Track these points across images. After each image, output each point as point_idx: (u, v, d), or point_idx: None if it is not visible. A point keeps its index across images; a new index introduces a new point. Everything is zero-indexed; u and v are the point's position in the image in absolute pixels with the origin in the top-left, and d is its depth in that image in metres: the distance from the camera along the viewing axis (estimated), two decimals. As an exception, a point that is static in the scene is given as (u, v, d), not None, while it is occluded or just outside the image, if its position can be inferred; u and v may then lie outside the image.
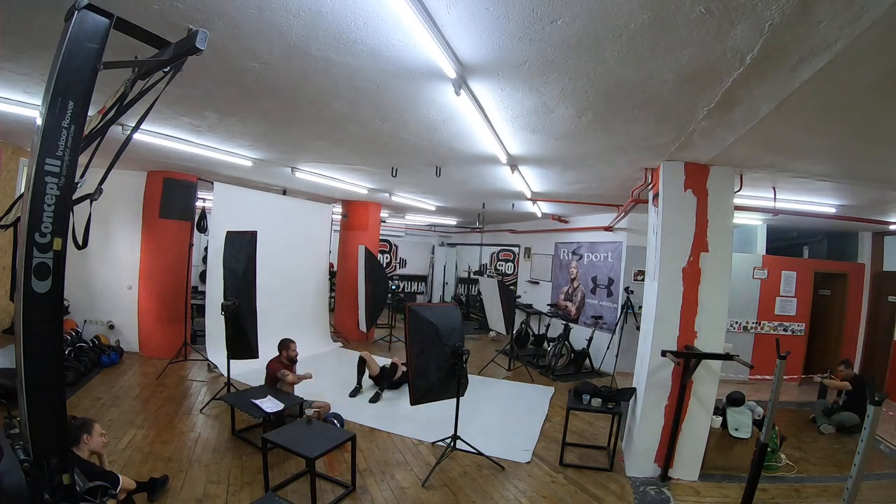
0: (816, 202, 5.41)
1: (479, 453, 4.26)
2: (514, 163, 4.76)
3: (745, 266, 7.65)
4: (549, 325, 9.71)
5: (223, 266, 5.29)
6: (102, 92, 1.77)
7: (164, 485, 3.44)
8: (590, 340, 8.06)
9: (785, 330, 7.74)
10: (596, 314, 8.52)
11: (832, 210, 5.60)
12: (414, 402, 4.13)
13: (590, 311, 8.82)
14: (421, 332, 4.10)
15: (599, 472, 4.20)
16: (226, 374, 5.20)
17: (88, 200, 1.88)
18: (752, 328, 7.72)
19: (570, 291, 9.54)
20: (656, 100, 2.78)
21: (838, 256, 8.25)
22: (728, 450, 4.30)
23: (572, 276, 9.47)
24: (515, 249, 12.26)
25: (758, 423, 4.37)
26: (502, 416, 5.59)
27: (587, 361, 7.96)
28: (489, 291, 8.46)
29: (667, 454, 4.06)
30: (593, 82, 2.62)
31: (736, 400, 4.45)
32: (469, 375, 4.51)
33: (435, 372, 4.10)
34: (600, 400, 4.46)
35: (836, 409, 5.69)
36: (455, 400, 4.24)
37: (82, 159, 1.68)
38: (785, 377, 3.38)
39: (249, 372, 5.87)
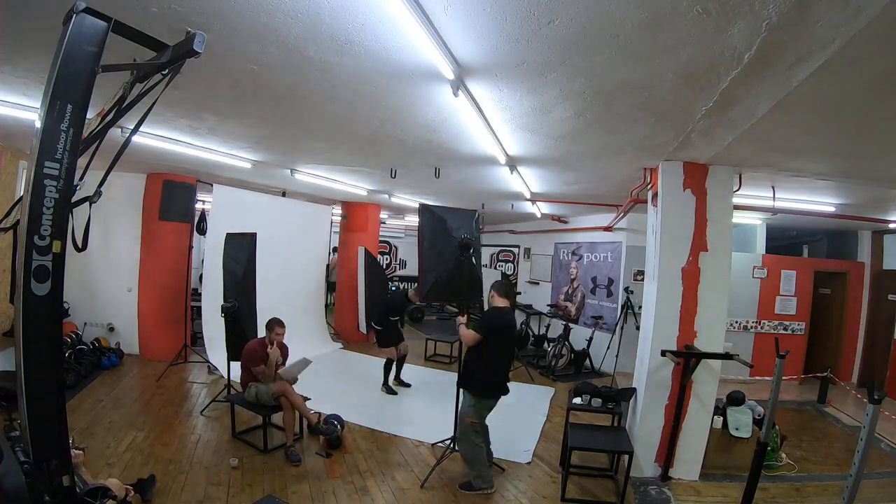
0: (816, 201, 5.42)
1: (480, 454, 4.26)
2: (512, 163, 4.76)
3: (745, 265, 7.65)
4: (548, 325, 9.70)
5: (223, 268, 5.29)
6: (101, 95, 1.77)
7: (153, 484, 3.42)
8: (590, 341, 8.07)
9: (785, 329, 7.74)
10: (596, 314, 8.52)
11: (831, 209, 5.61)
12: (422, 298, 4.05)
13: (590, 312, 8.81)
14: (430, 227, 3.97)
15: (600, 473, 4.20)
16: (226, 376, 5.21)
17: (88, 203, 1.88)
18: (751, 327, 7.72)
19: (569, 292, 9.54)
20: (654, 100, 2.78)
21: (838, 255, 8.25)
22: (728, 449, 4.30)
23: (572, 277, 9.47)
24: (515, 250, 12.26)
25: (758, 423, 4.36)
26: (502, 416, 5.55)
27: (587, 361, 7.96)
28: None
29: (667, 454, 4.06)
30: (591, 82, 2.62)
31: (736, 399, 4.45)
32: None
33: (443, 265, 3.92)
34: (600, 400, 4.45)
35: None
36: (455, 401, 4.23)
37: (81, 162, 1.68)
38: (785, 376, 3.39)
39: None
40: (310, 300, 8.50)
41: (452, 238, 3.91)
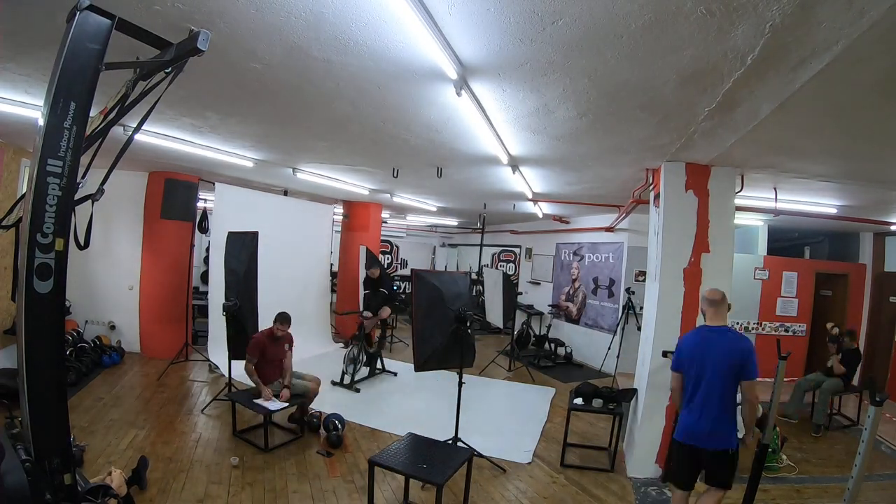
0: (817, 203, 5.41)
1: (480, 455, 4.25)
2: (515, 163, 4.76)
3: (747, 267, 7.64)
4: (549, 325, 9.72)
5: (224, 266, 5.30)
6: (104, 93, 1.77)
7: (145, 468, 3.49)
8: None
9: (786, 331, 7.72)
10: (597, 314, 8.54)
11: (833, 210, 5.60)
12: (418, 368, 4.04)
13: (591, 312, 8.82)
14: (426, 296, 4.03)
15: (600, 473, 4.20)
16: (227, 375, 5.21)
17: (90, 201, 1.89)
18: (753, 329, 7.71)
19: (571, 292, 9.54)
20: (657, 100, 2.78)
21: (839, 257, 8.23)
22: (729, 451, 4.29)
23: (573, 277, 9.46)
24: (517, 250, 12.26)
25: (758, 424, 4.35)
26: (503, 416, 5.58)
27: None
28: (492, 282, 8.47)
29: (668, 455, 4.05)
30: (594, 83, 2.62)
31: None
32: (469, 376, 4.49)
33: (439, 337, 4.01)
34: (601, 400, 4.45)
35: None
36: (456, 400, 4.23)
37: (84, 160, 1.68)
38: (786, 378, 3.38)
39: (250, 372, 5.87)
40: (311, 299, 8.50)
41: (449, 310, 4.01)
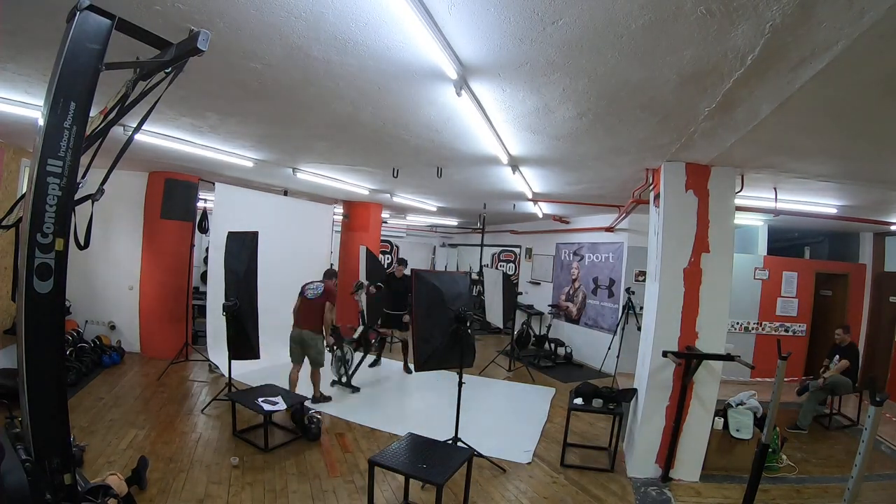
0: (817, 203, 5.41)
1: (480, 455, 4.25)
2: (515, 163, 4.76)
3: (747, 267, 7.64)
4: (549, 325, 9.72)
5: (224, 266, 5.29)
6: (104, 93, 1.77)
7: (145, 468, 3.50)
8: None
9: (786, 331, 7.73)
10: (597, 314, 8.54)
11: (833, 210, 5.59)
12: (418, 367, 4.02)
13: (591, 312, 8.82)
14: (426, 296, 4.02)
15: (600, 473, 4.20)
16: (227, 375, 5.21)
17: (90, 201, 1.89)
18: (753, 329, 7.71)
19: (571, 292, 9.54)
20: (657, 100, 2.78)
21: (839, 257, 8.23)
22: (729, 450, 4.30)
23: (573, 277, 9.46)
24: (517, 250, 12.26)
25: (758, 424, 4.36)
26: (503, 416, 5.59)
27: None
28: (492, 282, 8.48)
29: (668, 455, 4.05)
30: (594, 83, 2.62)
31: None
32: (469, 376, 4.49)
33: (439, 337, 4.01)
34: (601, 400, 4.46)
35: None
36: (456, 400, 4.23)
37: (84, 160, 1.68)
38: (786, 378, 3.39)
39: (250, 372, 5.87)
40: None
41: (449, 310, 4.01)
